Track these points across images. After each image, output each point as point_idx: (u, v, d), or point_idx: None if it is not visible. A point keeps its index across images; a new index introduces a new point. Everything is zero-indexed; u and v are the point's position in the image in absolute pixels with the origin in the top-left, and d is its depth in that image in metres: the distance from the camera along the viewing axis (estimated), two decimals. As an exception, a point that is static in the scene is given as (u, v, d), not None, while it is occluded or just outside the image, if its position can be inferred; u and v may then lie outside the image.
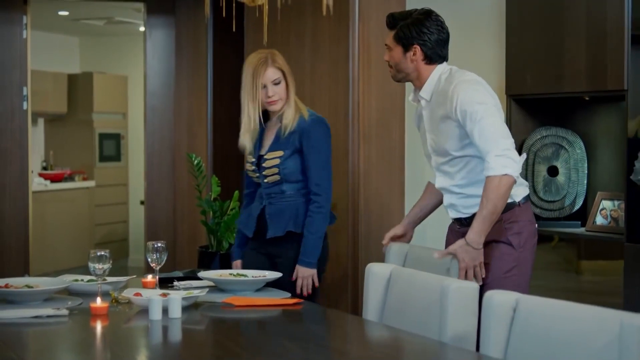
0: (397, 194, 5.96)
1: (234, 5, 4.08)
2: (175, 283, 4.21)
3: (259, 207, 4.60)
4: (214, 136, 7.36)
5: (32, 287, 3.83)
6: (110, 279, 4.02)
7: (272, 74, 4.48)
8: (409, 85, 5.84)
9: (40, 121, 11.34)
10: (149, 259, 4.00)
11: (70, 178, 11.09)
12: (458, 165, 4.07)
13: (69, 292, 4.01)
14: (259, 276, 4.21)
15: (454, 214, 4.18)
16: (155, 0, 7.88)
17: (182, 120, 7.78)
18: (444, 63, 4.18)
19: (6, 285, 3.84)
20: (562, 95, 5.20)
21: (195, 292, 3.78)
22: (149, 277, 4.14)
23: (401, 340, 3.37)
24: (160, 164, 7.84)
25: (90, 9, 9.81)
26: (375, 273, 3.86)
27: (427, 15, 4.15)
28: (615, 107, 5.15)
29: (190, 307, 3.74)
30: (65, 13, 10.01)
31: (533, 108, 5.42)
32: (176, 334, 3.43)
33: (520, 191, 4.04)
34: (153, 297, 3.54)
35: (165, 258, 4.00)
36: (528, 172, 5.33)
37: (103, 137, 11.47)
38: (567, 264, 5.26)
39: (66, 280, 4.07)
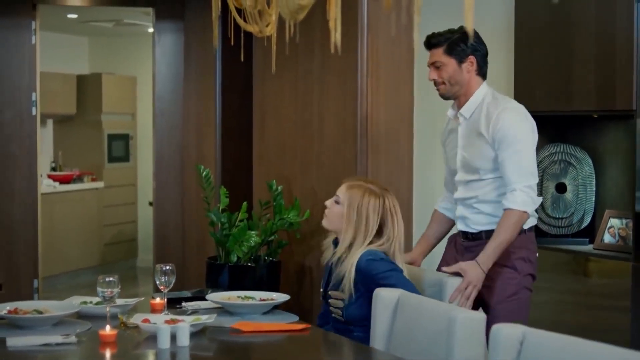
0: (405, 207, 5.94)
1: (242, 35, 4.07)
2: (184, 304, 4.23)
3: None
4: (223, 143, 7.36)
5: (40, 312, 3.85)
6: (118, 302, 4.03)
7: None
8: (424, 98, 5.86)
9: (49, 122, 11.36)
10: (157, 282, 4.01)
11: (79, 179, 11.11)
12: (483, 183, 4.32)
13: (77, 315, 4.02)
14: (267, 299, 4.22)
15: (463, 227, 4.42)
16: (164, 5, 7.88)
17: (191, 125, 7.78)
18: (485, 82, 4.43)
19: (15, 310, 3.86)
20: (570, 113, 5.20)
21: (203, 319, 3.79)
22: (157, 299, 4.15)
23: (408, 371, 3.38)
24: (168, 168, 7.85)
25: (99, 12, 9.82)
26: (383, 298, 3.86)
27: (473, 31, 4.20)
28: (623, 124, 5.15)
29: (198, 332, 3.75)
30: (74, 16, 10.02)
31: (541, 125, 5.38)
32: (184, 362, 3.45)
33: (529, 221, 4.28)
34: (161, 325, 3.56)
35: (173, 281, 4.01)
36: (537, 187, 5.33)
37: (112, 137, 11.49)
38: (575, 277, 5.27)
39: (75, 304, 4.09)
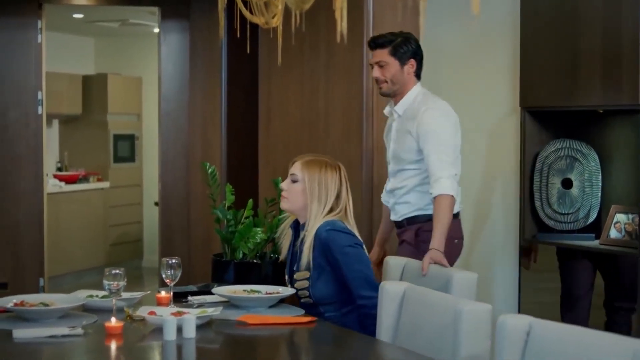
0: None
1: (248, 27, 4.08)
2: (190, 298, 4.23)
3: None
4: (228, 142, 7.36)
5: (47, 304, 3.85)
6: (124, 295, 4.03)
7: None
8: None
9: (55, 122, 11.37)
10: (163, 275, 4.02)
11: (84, 179, 11.12)
12: (407, 174, 4.81)
13: (83, 309, 4.02)
14: (273, 292, 4.22)
15: (393, 217, 4.94)
16: (169, 5, 7.88)
17: (197, 126, 7.78)
18: (419, 83, 4.89)
19: (21, 303, 3.86)
20: (576, 108, 5.19)
21: (209, 311, 3.79)
22: (163, 293, 4.14)
23: (414, 363, 3.38)
24: (174, 168, 7.86)
25: (105, 12, 9.82)
26: (389, 291, 3.85)
27: (413, 36, 4.86)
28: (629, 120, 5.14)
29: (204, 324, 3.74)
30: (80, 16, 10.03)
31: (547, 120, 5.42)
32: (190, 354, 3.45)
33: (455, 207, 4.69)
34: (167, 317, 3.56)
35: (179, 274, 4.01)
36: (542, 185, 5.32)
37: (117, 138, 11.50)
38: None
39: (81, 297, 4.09)
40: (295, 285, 4.21)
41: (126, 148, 11.63)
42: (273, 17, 3.66)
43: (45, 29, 7.86)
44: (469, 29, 5.79)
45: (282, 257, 4.45)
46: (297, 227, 4.35)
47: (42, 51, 7.84)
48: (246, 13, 3.82)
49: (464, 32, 5.87)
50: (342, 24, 2.76)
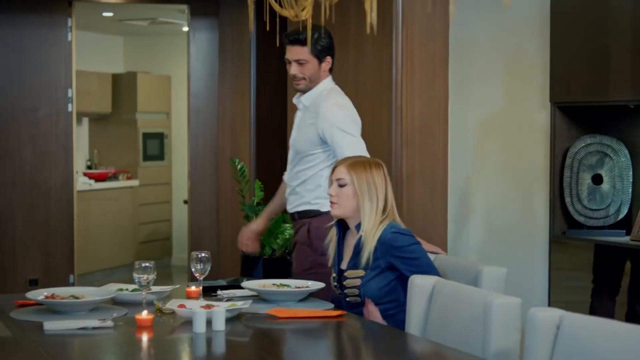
0: (440, 201, 5.94)
1: (277, 20, 4.08)
2: (219, 292, 4.23)
3: None
4: (257, 139, 7.38)
5: (77, 297, 3.87)
6: (154, 289, 4.05)
7: None
8: (459, 91, 5.85)
9: (85, 121, 11.43)
10: (193, 269, 4.03)
11: (114, 177, 11.17)
12: (303, 165, 4.83)
13: (113, 302, 4.04)
14: (302, 286, 4.22)
15: (287, 206, 4.98)
16: (199, 3, 7.91)
17: (226, 123, 7.81)
18: (330, 77, 4.94)
19: (52, 296, 3.89)
20: (607, 104, 5.16)
21: (239, 304, 3.80)
22: (193, 287, 4.15)
23: (443, 356, 3.38)
24: (203, 166, 7.88)
25: (134, 10, 9.87)
26: (419, 285, 3.85)
27: (327, 30, 4.82)
28: (660, 115, 5.12)
29: (234, 318, 3.75)
30: (110, 14, 10.08)
31: (577, 116, 5.39)
32: (220, 347, 3.46)
33: (327, 202, 4.51)
34: (197, 309, 3.57)
35: (209, 268, 4.02)
36: (572, 180, 5.30)
37: (147, 136, 11.54)
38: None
39: (111, 290, 4.11)
40: (345, 283, 4.15)
41: (155, 146, 11.67)
42: (302, 10, 3.66)
43: (76, 28, 7.91)
44: (499, 23, 5.77)
45: (330, 261, 4.35)
46: (340, 227, 4.32)
47: (72, 49, 7.89)
48: (275, 6, 3.82)
49: (493, 27, 5.85)
50: (371, 15, 2.75)
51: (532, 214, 5.68)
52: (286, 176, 5.08)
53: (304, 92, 4.90)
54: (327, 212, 4.52)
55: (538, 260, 5.57)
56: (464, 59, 5.86)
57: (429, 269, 4.05)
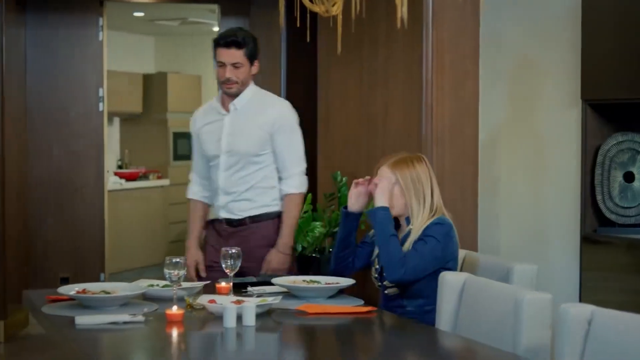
0: (470, 200, 5.91)
1: (307, 16, 4.09)
2: (249, 289, 4.24)
3: None
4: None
5: (108, 292, 3.89)
6: (185, 285, 4.06)
7: None
8: (489, 90, 5.83)
9: (116, 120, 11.48)
10: (223, 265, 4.04)
11: (145, 177, 11.22)
12: (250, 168, 4.78)
13: (144, 297, 4.05)
14: (332, 283, 4.22)
15: (226, 215, 4.85)
16: (229, 2, 7.93)
17: (256, 122, 7.81)
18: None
19: (83, 291, 3.91)
20: (638, 101, 5.14)
21: (269, 300, 3.81)
22: (223, 283, 4.16)
23: (474, 352, 3.37)
24: (234, 165, 7.89)
25: (165, 10, 9.91)
26: (449, 282, 3.85)
27: (253, 36, 4.85)
28: (693, 112, 5.09)
29: (264, 313, 3.76)
30: (141, 14, 10.13)
31: (609, 113, 5.36)
32: (250, 342, 3.47)
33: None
34: (227, 304, 3.57)
35: (239, 264, 4.03)
36: (604, 178, 5.27)
37: (177, 136, 11.58)
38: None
39: (142, 285, 4.13)
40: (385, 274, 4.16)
41: (186, 146, 11.70)
42: (333, 6, 3.66)
43: (107, 29, 7.94)
44: (530, 21, 5.75)
45: (374, 255, 4.37)
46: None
47: (104, 49, 7.93)
48: (306, 2, 3.83)
49: (524, 25, 5.83)
50: (402, 9, 2.75)
51: (563, 212, 5.66)
52: (197, 194, 5.05)
53: (234, 96, 4.83)
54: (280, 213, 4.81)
55: (569, 258, 5.55)
56: (495, 57, 5.84)
57: (425, 259, 4.03)
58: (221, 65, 4.78)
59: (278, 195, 4.85)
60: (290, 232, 4.82)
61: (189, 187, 5.14)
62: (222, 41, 4.77)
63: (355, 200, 4.43)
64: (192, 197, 5.09)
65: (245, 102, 4.83)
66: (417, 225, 4.13)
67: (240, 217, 4.84)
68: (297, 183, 4.84)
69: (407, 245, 4.11)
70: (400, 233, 4.24)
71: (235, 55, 4.75)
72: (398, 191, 4.20)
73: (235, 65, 4.76)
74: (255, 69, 4.85)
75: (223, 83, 4.79)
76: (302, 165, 4.88)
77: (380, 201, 4.17)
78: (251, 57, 4.80)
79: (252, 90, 4.88)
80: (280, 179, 4.85)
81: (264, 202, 4.83)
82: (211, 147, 4.88)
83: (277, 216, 4.85)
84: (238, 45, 4.75)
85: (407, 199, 4.18)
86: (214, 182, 4.92)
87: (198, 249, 5.02)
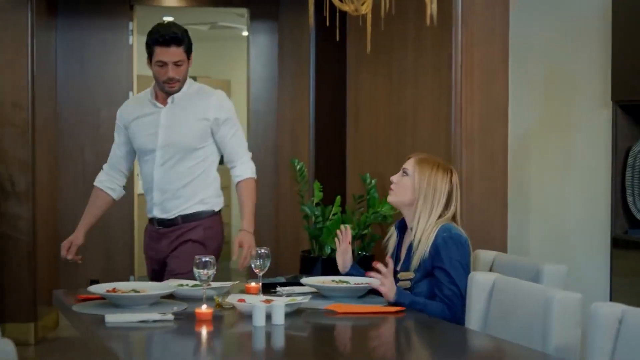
0: (500, 202, 5.89)
1: (337, 15, 4.09)
2: (278, 289, 4.25)
3: None
4: (317, 140, 7.40)
5: (138, 291, 3.90)
6: (214, 284, 4.07)
7: None
8: (518, 91, 5.81)
9: (146, 125, 11.51)
10: (253, 265, 4.05)
11: (174, 180, 11.22)
12: (189, 162, 4.67)
13: (174, 297, 4.07)
14: (362, 283, 4.22)
15: (160, 214, 4.75)
16: (258, 6, 7.95)
17: (285, 125, 7.84)
18: None
19: (113, 290, 3.92)
20: (670, 102, 5.10)
21: (299, 299, 3.81)
22: (252, 283, 4.17)
23: (504, 351, 3.35)
24: (263, 168, 7.90)
25: (195, 14, 9.95)
26: (479, 281, 3.84)
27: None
28: None
29: (293, 313, 3.76)
30: (170, 19, 10.16)
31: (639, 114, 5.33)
32: (279, 340, 3.47)
33: (220, 202, 4.84)
34: (257, 303, 3.58)
35: (268, 264, 4.04)
36: (634, 180, 5.24)
37: (206, 140, 11.59)
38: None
39: (172, 285, 4.14)
40: (398, 284, 4.13)
41: (216, 150, 11.73)
42: (362, 4, 3.66)
43: (137, 33, 7.98)
44: (559, 21, 5.73)
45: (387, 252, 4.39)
46: (401, 227, 4.32)
47: (134, 53, 7.97)
48: (335, 0, 3.83)
49: (554, 25, 5.81)
50: (432, 6, 2.75)
51: (593, 214, 5.63)
52: (103, 183, 4.93)
53: (175, 93, 4.68)
54: (219, 212, 4.81)
55: (599, 259, 5.52)
56: (524, 58, 5.82)
57: (462, 282, 3.97)
58: (162, 64, 4.58)
59: (215, 192, 4.80)
60: (254, 213, 4.76)
61: (97, 176, 5.01)
62: (162, 39, 4.57)
63: (343, 262, 4.43)
64: (97, 185, 4.96)
65: (182, 95, 4.68)
66: (420, 227, 4.10)
67: (172, 217, 4.74)
68: (252, 168, 4.82)
69: (415, 259, 4.06)
70: (408, 239, 4.23)
71: (175, 53, 4.57)
72: (409, 184, 4.18)
73: (177, 64, 4.58)
74: (190, 63, 4.70)
75: (165, 82, 4.61)
76: (248, 153, 4.85)
77: (393, 297, 4.01)
78: (189, 52, 4.65)
79: (189, 83, 4.74)
80: (232, 167, 4.82)
81: (199, 199, 4.73)
82: (145, 140, 4.75)
83: (210, 216, 4.76)
84: (178, 42, 4.57)
85: (415, 196, 4.15)
86: (147, 179, 4.81)
87: (83, 235, 4.85)
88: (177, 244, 4.73)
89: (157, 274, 4.83)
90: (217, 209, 4.81)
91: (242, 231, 4.68)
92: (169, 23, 4.72)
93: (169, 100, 4.67)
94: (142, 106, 4.79)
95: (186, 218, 4.73)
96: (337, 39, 4.58)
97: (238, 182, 4.81)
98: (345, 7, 3.76)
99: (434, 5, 2.82)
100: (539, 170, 5.86)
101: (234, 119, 4.73)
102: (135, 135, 4.80)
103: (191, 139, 4.66)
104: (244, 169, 4.80)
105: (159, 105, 4.71)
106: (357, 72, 6.70)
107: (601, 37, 5.47)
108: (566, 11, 5.69)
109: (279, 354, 3.35)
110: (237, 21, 10.04)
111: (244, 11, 8.37)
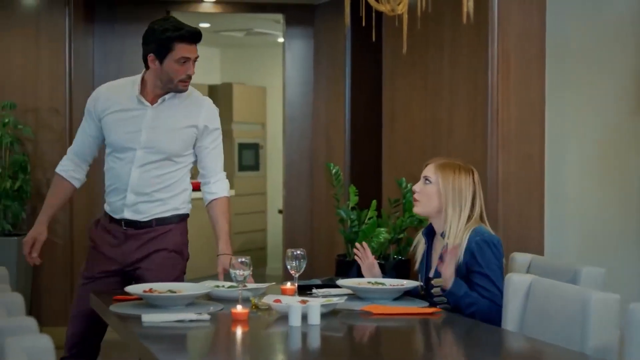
0: (537, 205, 5.85)
1: (373, 15, 4.09)
2: (314, 290, 4.24)
3: None
4: (352, 144, 7.40)
5: (175, 292, 3.91)
6: (250, 286, 4.07)
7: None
8: (555, 94, 5.78)
9: (181, 131, 11.56)
10: (289, 266, 4.05)
11: (210, 187, 11.26)
12: (168, 168, 4.42)
13: (210, 298, 4.07)
14: (397, 285, 4.21)
15: (132, 216, 4.43)
16: (294, 11, 7.97)
17: (320, 130, 7.84)
18: None
19: (150, 290, 3.93)
20: None
21: (334, 300, 3.80)
22: (288, 285, 4.17)
23: (542, 352, 3.33)
24: (298, 173, 7.93)
25: (231, 21, 9.98)
26: (515, 283, 3.82)
27: None
28: None
29: (329, 314, 3.75)
30: (207, 25, 10.21)
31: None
32: (315, 340, 3.46)
33: (189, 207, 4.62)
34: (293, 303, 3.58)
35: (304, 266, 4.04)
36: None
37: (242, 146, 11.64)
38: None
39: (208, 285, 4.15)
40: (433, 291, 4.14)
41: (250, 157, 11.77)
42: (399, 4, 3.66)
43: (174, 40, 8.00)
44: (595, 26, 5.70)
45: (416, 266, 4.37)
46: (429, 234, 4.31)
47: (170, 59, 7.99)
48: (372, 0, 3.83)
49: (587, 29, 5.78)
50: (468, 4, 2.74)
51: (629, 217, 5.60)
52: (69, 172, 4.57)
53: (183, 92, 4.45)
54: (185, 217, 4.58)
55: (636, 262, 5.48)
56: (561, 60, 5.79)
57: (499, 280, 3.97)
58: (185, 61, 4.33)
59: (188, 198, 4.56)
60: (228, 235, 4.56)
61: (60, 162, 4.63)
62: (188, 35, 4.35)
63: (372, 277, 4.36)
64: (62, 173, 4.60)
65: (172, 96, 4.40)
66: (453, 233, 4.08)
67: (146, 219, 4.46)
68: (227, 186, 4.59)
69: (453, 260, 4.01)
70: (438, 245, 4.21)
71: (196, 50, 4.40)
72: (434, 191, 4.15)
73: (195, 61, 4.41)
74: None
75: (182, 81, 4.36)
76: (223, 170, 4.60)
77: (450, 285, 4.00)
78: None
79: None
80: (206, 183, 4.54)
81: (174, 205, 4.49)
82: (125, 137, 4.41)
83: (183, 219, 4.55)
84: (200, 39, 4.42)
85: (443, 204, 4.13)
86: (119, 178, 4.45)
87: (45, 228, 4.52)
88: (150, 251, 4.46)
89: (115, 274, 4.51)
90: (188, 212, 4.62)
91: (223, 255, 4.41)
92: (176, 19, 4.48)
93: (160, 100, 4.40)
94: (122, 99, 4.45)
95: (161, 221, 4.47)
96: (374, 39, 4.56)
97: (212, 200, 4.56)
98: (382, 7, 3.76)
99: (471, 3, 2.81)
100: (575, 173, 5.83)
101: (220, 131, 4.53)
102: (111, 130, 4.45)
103: (176, 145, 4.41)
104: (221, 186, 4.56)
105: (146, 103, 4.41)
106: (393, 75, 6.69)
107: (635, 43, 5.44)
108: (603, 13, 5.66)
109: (314, 354, 3.34)
110: (273, 27, 10.06)
111: (280, 17, 8.39)
